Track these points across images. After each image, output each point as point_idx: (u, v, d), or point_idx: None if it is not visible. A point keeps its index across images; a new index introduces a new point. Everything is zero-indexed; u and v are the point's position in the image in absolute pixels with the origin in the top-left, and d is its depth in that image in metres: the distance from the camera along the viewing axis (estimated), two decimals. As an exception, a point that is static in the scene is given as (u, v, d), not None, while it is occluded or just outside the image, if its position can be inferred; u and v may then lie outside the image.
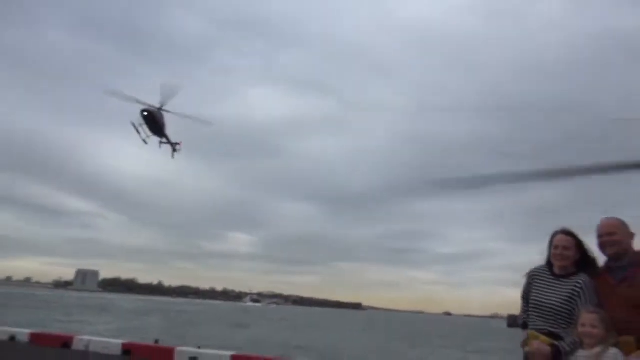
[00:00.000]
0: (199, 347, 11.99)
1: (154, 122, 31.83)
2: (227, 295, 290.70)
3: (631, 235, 3.35)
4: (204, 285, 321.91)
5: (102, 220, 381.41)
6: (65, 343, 11.40)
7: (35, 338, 11.91)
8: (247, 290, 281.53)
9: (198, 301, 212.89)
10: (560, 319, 3.30)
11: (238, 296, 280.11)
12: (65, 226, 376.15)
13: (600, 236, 3.37)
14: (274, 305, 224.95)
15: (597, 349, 3.02)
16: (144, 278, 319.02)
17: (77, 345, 11.23)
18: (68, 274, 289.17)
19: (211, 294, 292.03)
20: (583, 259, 3.46)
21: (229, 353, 10.56)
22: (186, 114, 33.33)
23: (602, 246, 3.38)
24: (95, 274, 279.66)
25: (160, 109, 32.03)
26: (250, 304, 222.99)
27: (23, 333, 12.16)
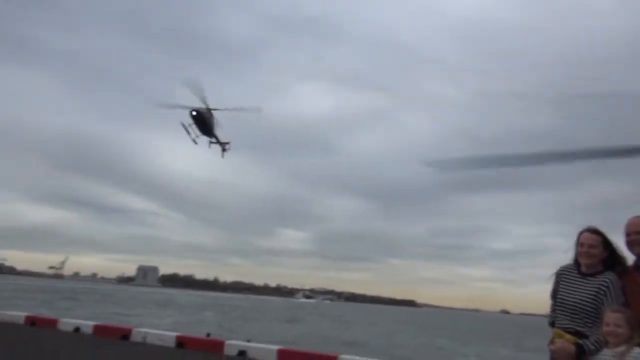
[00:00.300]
0: (249, 341, 12.45)
1: (203, 122, 32.12)
2: (280, 291, 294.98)
3: None
4: (258, 281, 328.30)
5: (161, 218, 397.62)
6: (124, 335, 12.18)
7: (98, 330, 12.77)
8: (299, 287, 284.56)
9: (252, 297, 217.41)
10: (586, 318, 3.28)
11: (290, 292, 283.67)
12: (127, 224, 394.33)
13: (628, 234, 3.32)
14: (328, 302, 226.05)
15: (621, 348, 3.00)
16: (200, 274, 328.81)
17: (135, 337, 11.97)
18: (130, 269, 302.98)
19: (264, 290, 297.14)
20: (611, 258, 3.43)
21: (276, 347, 10.92)
22: (235, 107, 33.55)
23: (630, 244, 3.32)
24: (155, 270, 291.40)
25: (209, 109, 32.37)
26: (303, 300, 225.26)
27: (87, 325, 13.08)
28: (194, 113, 31.30)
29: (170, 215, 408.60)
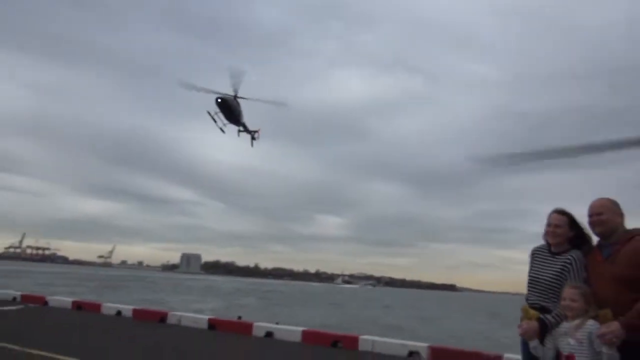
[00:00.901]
0: (277, 323, 12.99)
1: (229, 109, 31.58)
2: (320, 277, 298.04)
3: (620, 215, 3.45)
4: (298, 267, 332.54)
5: (203, 207, 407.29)
6: (161, 318, 12.95)
7: (137, 313, 13.61)
8: (339, 272, 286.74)
9: (292, 282, 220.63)
10: (552, 293, 3.50)
11: (330, 277, 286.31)
12: (171, 214, 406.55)
13: (590, 215, 3.52)
14: (370, 287, 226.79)
15: (576, 321, 3.23)
16: (241, 261, 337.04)
17: (171, 319, 12.72)
18: (174, 257, 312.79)
19: (304, 276, 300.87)
20: (579, 237, 3.63)
21: (301, 329, 11.40)
22: (261, 98, 32.89)
23: (592, 225, 3.52)
24: (197, 257, 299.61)
25: (235, 96, 31.72)
26: (343, 285, 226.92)
27: (127, 309, 13.93)
28: (219, 100, 30.86)
29: (212, 205, 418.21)
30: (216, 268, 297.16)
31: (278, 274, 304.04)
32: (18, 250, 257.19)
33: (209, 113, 31.59)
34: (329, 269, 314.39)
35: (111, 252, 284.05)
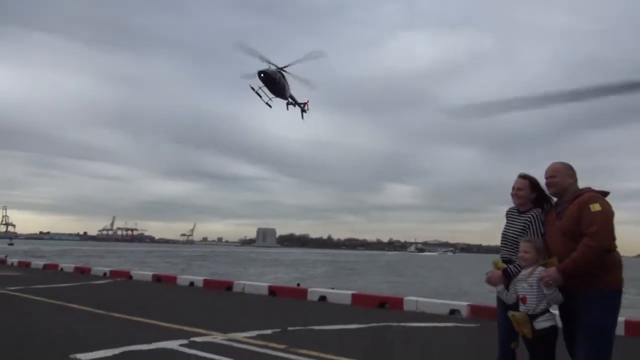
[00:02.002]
0: (332, 288, 13.93)
1: (273, 83, 30.67)
2: (393, 246, 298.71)
3: (571, 177, 3.82)
4: (370, 236, 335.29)
5: (276, 183, 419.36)
6: (227, 286, 14.31)
7: (207, 283, 15.08)
8: (412, 240, 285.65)
9: (365, 252, 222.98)
10: (516, 247, 3.99)
11: (403, 246, 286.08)
12: (246, 191, 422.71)
13: (545, 178, 3.93)
14: (450, 253, 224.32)
15: (530, 269, 3.73)
16: (314, 233, 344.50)
17: (236, 288, 14.04)
18: (251, 232, 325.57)
19: (377, 245, 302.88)
20: (542, 198, 4.07)
21: (350, 292, 12.24)
22: (299, 76, 31.67)
23: (547, 186, 3.94)
24: (273, 231, 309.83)
25: (280, 69, 30.85)
26: (416, 252, 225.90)
27: (199, 280, 15.46)
28: (262, 74, 30.14)
29: (284, 180, 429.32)
30: (291, 241, 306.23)
31: (351, 244, 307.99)
32: (110, 232, 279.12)
33: (252, 88, 30.93)
34: (402, 238, 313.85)
35: (192, 230, 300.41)
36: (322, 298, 12.18)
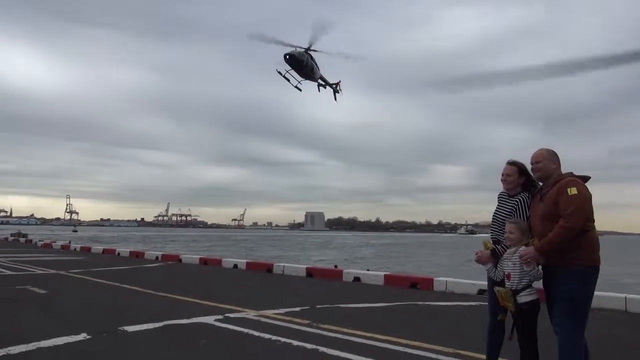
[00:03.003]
0: (368, 270, 14.39)
1: (300, 65, 29.38)
2: (443, 227, 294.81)
3: (554, 162, 4.05)
4: (419, 219, 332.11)
5: (323, 167, 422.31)
6: (268, 268, 15.08)
7: (249, 265, 15.92)
8: (462, 222, 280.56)
9: (414, 234, 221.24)
10: (504, 229, 4.29)
11: (453, 228, 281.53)
12: (294, 175, 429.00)
13: (531, 164, 4.20)
14: None
15: (514, 249, 4.04)
16: (362, 216, 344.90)
17: (276, 270, 14.78)
18: (300, 216, 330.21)
19: (426, 227, 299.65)
20: (529, 182, 4.33)
21: (383, 273, 12.68)
22: (337, 51, 30.40)
23: (533, 172, 4.20)
24: (321, 215, 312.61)
25: (307, 49, 29.45)
26: (466, 234, 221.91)
27: (242, 262, 16.31)
28: (288, 57, 28.97)
29: (331, 164, 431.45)
30: (339, 224, 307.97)
31: (400, 226, 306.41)
32: (165, 218, 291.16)
33: (280, 73, 29.60)
34: (452, 219, 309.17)
35: (243, 215, 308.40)
36: (357, 279, 12.68)
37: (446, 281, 11.06)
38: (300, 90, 30.80)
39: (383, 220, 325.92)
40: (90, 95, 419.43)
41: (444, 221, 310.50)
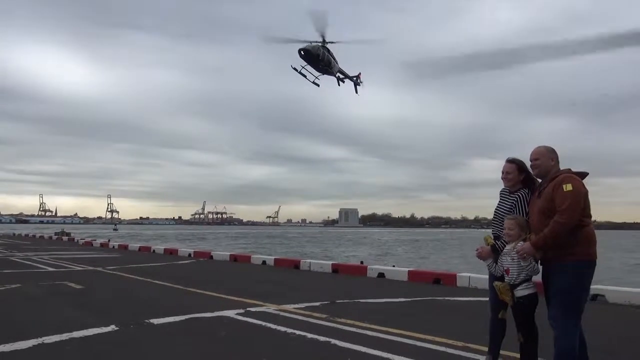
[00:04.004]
0: (393, 266, 14.50)
1: (316, 59, 28.34)
2: (479, 223, 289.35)
3: (552, 159, 4.10)
4: (455, 214, 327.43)
5: (357, 163, 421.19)
6: (295, 265, 15.39)
7: (277, 262, 16.28)
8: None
9: (449, 230, 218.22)
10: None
11: (489, 223, 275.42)
12: (327, 172, 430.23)
13: (530, 161, 4.27)
14: None
15: (513, 244, 4.13)
16: (397, 212, 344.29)
17: (303, 266, 15.07)
18: (334, 213, 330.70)
19: (462, 223, 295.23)
20: (529, 179, 4.41)
21: (407, 269, 12.78)
22: (354, 39, 30.58)
23: (532, 169, 4.27)
24: (355, 211, 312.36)
25: (323, 43, 28.42)
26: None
27: (270, 259, 16.68)
28: (303, 52, 28.02)
29: (365, 160, 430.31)
30: (373, 220, 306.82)
31: (435, 222, 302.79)
32: (202, 216, 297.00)
33: (295, 69, 28.65)
34: (488, 215, 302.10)
35: (277, 212, 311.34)
36: (381, 275, 12.83)
37: (469, 277, 11.07)
38: (319, 85, 29.88)
39: (418, 216, 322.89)
40: (133, 98, 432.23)
41: (480, 216, 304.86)
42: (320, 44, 28.38)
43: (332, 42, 28.63)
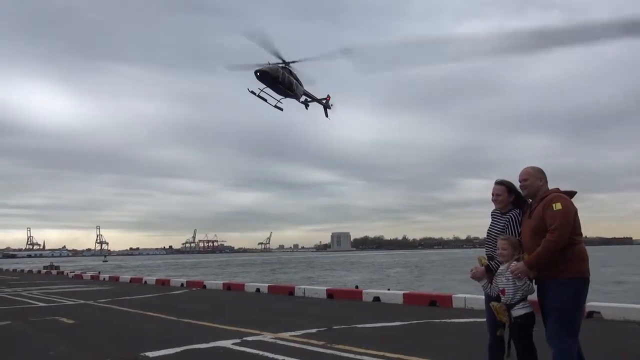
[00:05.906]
0: (389, 289, 14.44)
1: (274, 81, 25.77)
2: (471, 243, 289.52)
3: (540, 179, 4.20)
4: (447, 235, 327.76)
5: (345, 187, 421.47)
6: (290, 291, 15.28)
7: (272, 289, 16.15)
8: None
9: (442, 251, 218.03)
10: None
11: (482, 242, 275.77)
12: (317, 197, 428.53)
13: (519, 181, 4.36)
14: None
15: (506, 264, 4.18)
16: (389, 234, 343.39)
17: (297, 292, 14.98)
18: (326, 237, 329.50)
19: (455, 243, 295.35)
20: (520, 199, 4.49)
21: (402, 292, 12.74)
22: (314, 56, 26.62)
23: (521, 189, 4.36)
24: (347, 235, 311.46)
25: (284, 63, 26.09)
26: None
27: (264, 286, 16.53)
28: (259, 73, 25.39)
29: (353, 183, 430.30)
30: (365, 243, 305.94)
31: (427, 243, 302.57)
32: (193, 245, 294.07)
33: (252, 92, 26.07)
34: (481, 234, 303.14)
35: (269, 238, 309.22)
36: (376, 298, 12.77)
37: (464, 297, 11.06)
38: (282, 109, 27.66)
39: (410, 237, 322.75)
40: (119, 128, 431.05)
41: (472, 236, 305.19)
42: (280, 65, 26.11)
43: (294, 62, 26.47)
